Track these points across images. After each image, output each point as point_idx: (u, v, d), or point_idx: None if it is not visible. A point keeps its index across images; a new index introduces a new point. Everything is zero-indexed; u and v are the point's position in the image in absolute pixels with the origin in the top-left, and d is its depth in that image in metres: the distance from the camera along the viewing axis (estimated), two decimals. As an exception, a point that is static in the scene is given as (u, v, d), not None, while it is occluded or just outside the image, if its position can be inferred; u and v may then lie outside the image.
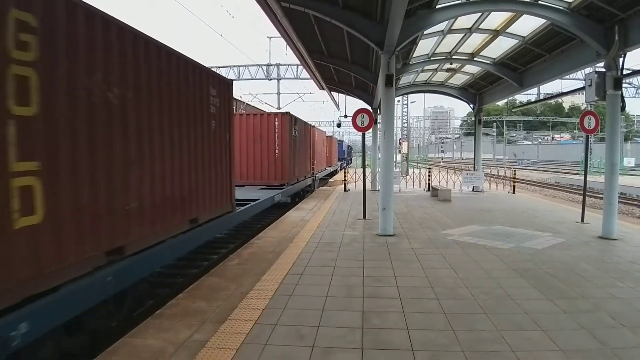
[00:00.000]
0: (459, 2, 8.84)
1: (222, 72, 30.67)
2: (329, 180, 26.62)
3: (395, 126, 26.43)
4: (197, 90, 6.66)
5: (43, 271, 3.48)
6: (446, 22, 9.76)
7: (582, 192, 10.98)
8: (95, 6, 4.20)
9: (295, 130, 15.52)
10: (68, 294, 3.73)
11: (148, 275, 5.36)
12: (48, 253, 3.54)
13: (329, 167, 29.14)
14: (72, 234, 3.83)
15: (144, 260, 5.03)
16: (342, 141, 53.97)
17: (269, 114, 14.77)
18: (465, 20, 10.08)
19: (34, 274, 3.39)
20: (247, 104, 33.20)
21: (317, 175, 21.31)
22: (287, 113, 14.64)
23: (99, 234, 4.22)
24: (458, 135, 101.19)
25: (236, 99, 32.00)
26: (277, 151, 14.15)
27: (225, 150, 7.93)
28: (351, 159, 57.33)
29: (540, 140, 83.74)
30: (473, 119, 19.21)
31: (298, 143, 16.21)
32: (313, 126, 22.18)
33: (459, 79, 17.05)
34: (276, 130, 14.15)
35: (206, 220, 7.02)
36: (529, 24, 9.97)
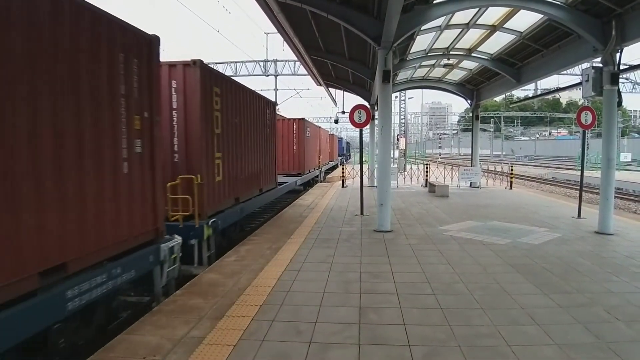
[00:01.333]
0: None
1: (219, 69, 30.55)
2: (327, 177, 26.77)
3: (392, 122, 26.62)
4: (262, 111, 10.72)
5: (220, 202, 7.82)
6: (443, 18, 9.73)
7: (579, 187, 11.02)
8: (235, 79, 9.02)
9: (308, 131, 19.27)
10: (227, 213, 8.14)
11: (243, 217, 9.53)
12: (221, 194, 7.88)
13: (331, 161, 33.68)
14: (226, 188, 8.15)
15: (246, 206, 9.41)
16: (342, 138, 56.86)
17: (290, 119, 18.47)
18: (462, 16, 10.05)
19: (217, 203, 7.68)
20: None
21: (322, 168, 25.17)
22: (303, 119, 18.59)
23: (233, 188, 8.60)
24: (456, 131, 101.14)
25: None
26: (295, 148, 17.99)
27: (273, 147, 12.17)
28: (350, 155, 58.55)
29: (537, 135, 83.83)
30: (470, 114, 19.22)
31: (310, 141, 19.98)
32: (319, 127, 26.79)
33: (456, 75, 17.03)
34: (294, 132, 18.02)
35: (265, 191, 11.21)
36: (526, 19, 9.95)
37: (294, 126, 18.02)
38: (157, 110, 5.24)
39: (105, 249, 4.29)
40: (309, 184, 19.94)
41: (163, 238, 5.44)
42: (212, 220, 7.05)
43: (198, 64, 6.84)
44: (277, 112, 20.04)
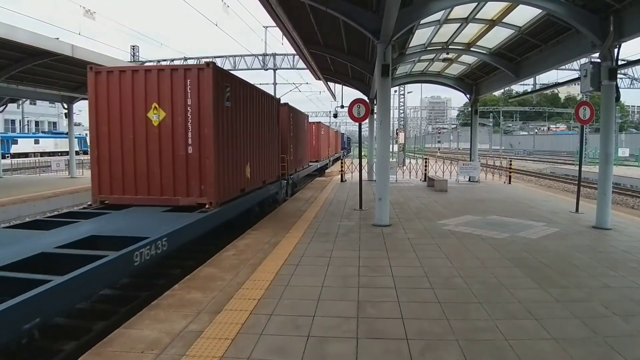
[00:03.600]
0: (456, -9, 8.77)
1: (218, 62, 30.27)
2: (326, 171, 27.06)
3: (391, 116, 26.84)
4: (303, 121, 18.06)
5: (291, 170, 14.93)
6: (442, 12, 9.68)
7: (577, 182, 11.03)
8: (297, 108, 16.87)
9: (322, 130, 27.08)
10: (293, 176, 15.52)
11: (296, 180, 16.87)
12: (291, 166, 14.92)
13: (336, 153, 40.89)
14: (293, 163, 15.17)
15: (300, 174, 17.32)
16: (343, 134, 62.21)
17: (311, 122, 24.13)
18: (461, 10, 10.01)
19: (291, 170, 14.88)
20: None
21: (330, 158, 32.70)
22: (320, 123, 27.07)
23: (294, 164, 15.73)
24: (455, 126, 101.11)
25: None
26: (314, 143, 24.43)
27: (307, 143, 19.90)
28: (350, 149, 60.79)
29: (536, 130, 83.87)
30: (470, 109, 19.20)
31: (323, 138, 27.40)
32: (329, 127, 35.81)
33: (455, 69, 17.00)
34: (313, 131, 24.63)
35: (304, 168, 18.45)
36: (525, 14, 9.91)
37: (313, 127, 24.90)
38: (278, 126, 12.50)
39: (271, 178, 11.51)
40: (321, 170, 26.98)
41: (280, 179, 12.77)
42: (290, 177, 14.53)
43: (287, 105, 14.33)
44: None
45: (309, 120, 24.29)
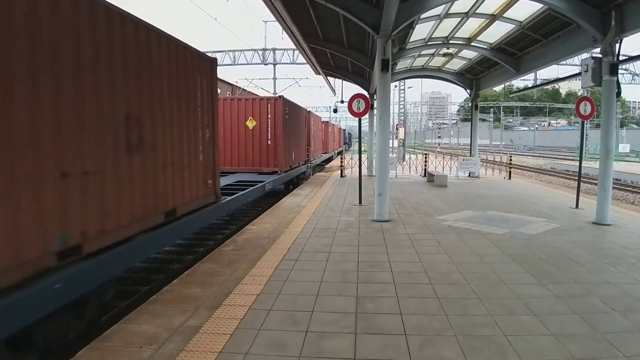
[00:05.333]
0: (456, -15, 8.71)
1: (218, 57, 30.13)
2: (325, 166, 27.17)
3: (391, 111, 27.26)
4: (318, 121, 25.52)
5: (311, 157, 20.67)
6: (443, 6, 9.61)
7: (577, 178, 11.01)
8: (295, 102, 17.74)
9: (329, 128, 33.02)
10: (312, 162, 20.75)
11: (313, 167, 22.02)
12: (311, 154, 20.71)
13: (339, 147, 45.58)
14: (312, 152, 20.83)
15: (317, 161, 23.48)
16: (345, 129, 65.30)
17: (324, 122, 29.96)
18: (461, 4, 9.95)
19: (311, 157, 20.35)
20: (242, 89, 32.93)
21: (335, 151, 38.61)
22: (328, 122, 34.12)
23: (313, 153, 21.48)
24: (455, 121, 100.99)
25: (232, 85, 31.73)
26: (323, 138, 28.49)
27: (321, 139, 26.78)
28: (350, 143, 63.01)
29: (536, 126, 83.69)
30: (470, 104, 19.15)
31: (330, 134, 33.36)
32: (334, 124, 42.53)
33: (456, 64, 16.93)
34: (323, 128, 28.29)
35: (319, 156, 25.31)
36: (526, 9, 9.85)
37: (323, 125, 28.66)
38: (305, 127, 18.60)
39: (302, 161, 17.39)
40: (329, 160, 31.40)
41: (306, 163, 18.06)
42: (311, 162, 19.14)
43: (310, 112, 20.14)
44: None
45: (323, 120, 30.87)
